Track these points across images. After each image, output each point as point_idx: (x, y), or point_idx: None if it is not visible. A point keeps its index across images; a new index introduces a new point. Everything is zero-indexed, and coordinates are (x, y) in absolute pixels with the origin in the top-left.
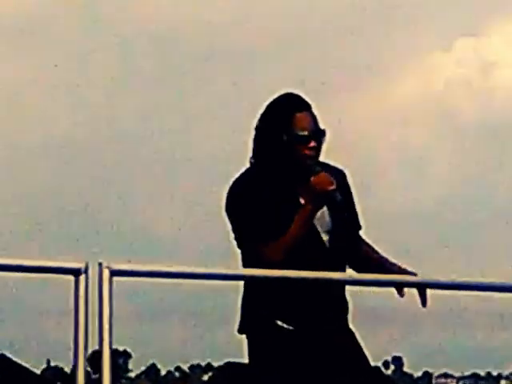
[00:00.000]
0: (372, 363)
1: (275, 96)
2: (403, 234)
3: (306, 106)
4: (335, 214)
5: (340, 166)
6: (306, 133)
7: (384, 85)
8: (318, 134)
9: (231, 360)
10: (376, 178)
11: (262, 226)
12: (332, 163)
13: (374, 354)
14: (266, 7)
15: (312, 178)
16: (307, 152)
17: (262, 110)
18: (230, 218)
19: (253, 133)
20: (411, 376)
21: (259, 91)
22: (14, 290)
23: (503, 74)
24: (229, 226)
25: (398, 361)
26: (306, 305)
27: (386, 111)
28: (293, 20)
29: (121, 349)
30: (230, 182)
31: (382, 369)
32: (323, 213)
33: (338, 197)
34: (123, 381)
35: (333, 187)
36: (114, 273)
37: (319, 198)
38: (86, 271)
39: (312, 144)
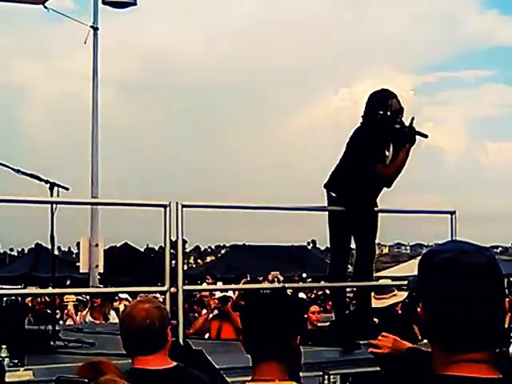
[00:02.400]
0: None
1: (378, 88)
2: None
3: (396, 96)
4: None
5: None
6: (396, 110)
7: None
8: (403, 110)
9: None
10: None
11: (378, 156)
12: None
13: None
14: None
15: (409, 126)
16: (398, 120)
17: (369, 95)
18: (355, 147)
19: (364, 106)
20: None
21: None
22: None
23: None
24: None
25: None
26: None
27: None
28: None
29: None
30: (353, 130)
31: None
32: None
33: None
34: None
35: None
36: (184, 206)
37: (414, 139)
38: (169, 205)
39: (400, 116)
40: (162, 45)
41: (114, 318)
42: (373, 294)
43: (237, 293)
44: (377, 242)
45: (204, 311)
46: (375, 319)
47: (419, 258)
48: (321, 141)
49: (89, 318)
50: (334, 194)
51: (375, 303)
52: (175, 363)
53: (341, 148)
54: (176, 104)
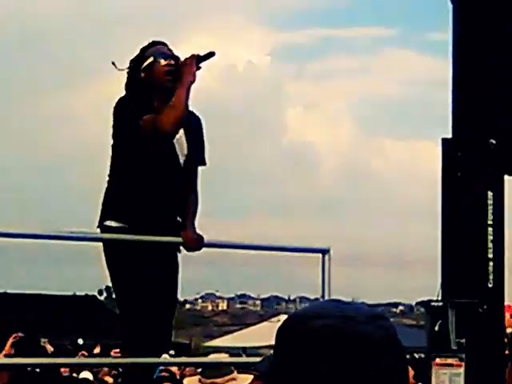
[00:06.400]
0: None
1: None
2: None
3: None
4: (191, 142)
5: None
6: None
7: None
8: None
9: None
10: None
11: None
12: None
13: None
14: None
15: (185, 59)
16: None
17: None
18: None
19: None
20: None
21: None
22: None
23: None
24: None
25: None
26: (140, 204)
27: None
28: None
29: None
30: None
31: None
32: (181, 137)
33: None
34: None
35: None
36: None
37: (194, 68)
38: None
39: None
40: None
41: None
42: (198, 376)
43: None
44: (212, 292)
45: None
46: None
47: (275, 319)
48: None
49: None
50: (114, 224)
51: None
52: None
53: None
54: None
